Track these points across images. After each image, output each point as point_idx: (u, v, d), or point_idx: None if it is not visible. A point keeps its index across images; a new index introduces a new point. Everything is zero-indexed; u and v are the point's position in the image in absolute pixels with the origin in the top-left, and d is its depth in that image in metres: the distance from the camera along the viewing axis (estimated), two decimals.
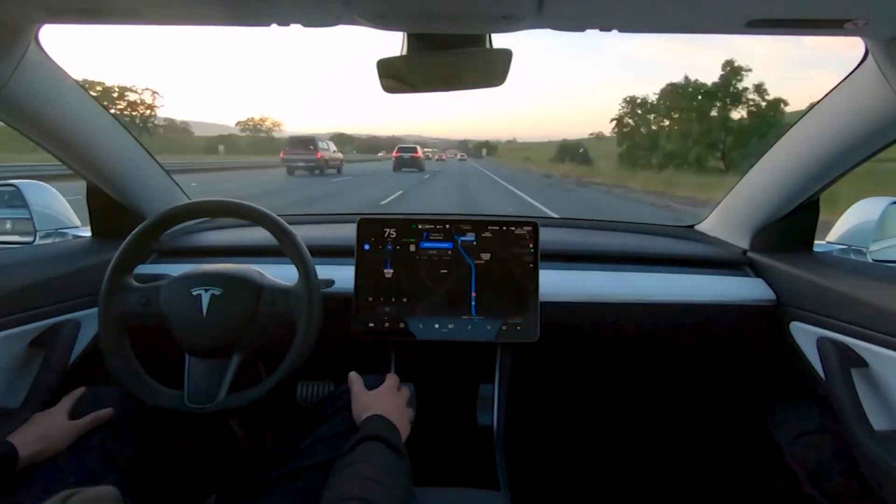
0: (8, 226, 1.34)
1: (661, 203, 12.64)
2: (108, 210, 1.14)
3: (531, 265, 1.02)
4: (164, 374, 0.87)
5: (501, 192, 14.66)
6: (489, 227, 1.02)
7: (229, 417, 1.16)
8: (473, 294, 1.01)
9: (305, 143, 19.42)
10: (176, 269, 0.94)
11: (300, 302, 0.86)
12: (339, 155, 22.32)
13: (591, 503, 1.35)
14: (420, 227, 1.03)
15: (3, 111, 0.85)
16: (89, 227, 1.20)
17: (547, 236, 1.06)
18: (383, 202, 10.50)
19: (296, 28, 0.70)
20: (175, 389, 0.84)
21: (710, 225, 1.35)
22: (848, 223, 1.26)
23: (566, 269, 1.14)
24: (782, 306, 1.07)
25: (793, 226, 1.13)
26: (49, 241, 1.24)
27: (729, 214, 1.28)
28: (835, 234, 1.27)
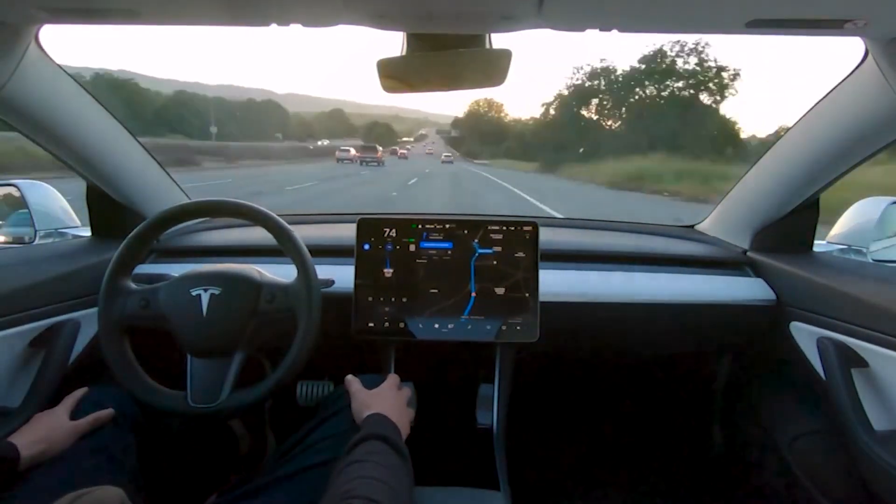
0: (8, 225, 1.33)
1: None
2: (108, 210, 1.14)
3: (531, 265, 1.02)
4: (165, 374, 0.87)
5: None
6: (489, 227, 1.02)
7: (232, 416, 1.16)
8: (473, 294, 1.01)
9: (371, 149, 33.00)
10: (176, 269, 0.94)
11: (300, 298, 0.86)
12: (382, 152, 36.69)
13: (591, 503, 1.35)
14: (420, 226, 1.03)
15: (3, 111, 0.85)
16: (89, 227, 1.21)
17: (547, 236, 1.06)
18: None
19: (295, 27, 0.70)
20: (177, 390, 0.84)
21: (710, 225, 1.35)
22: (848, 223, 1.26)
23: (566, 269, 1.14)
24: (782, 306, 1.07)
25: (793, 226, 1.13)
26: (49, 241, 1.24)
27: (729, 214, 1.28)
28: (835, 234, 1.27)
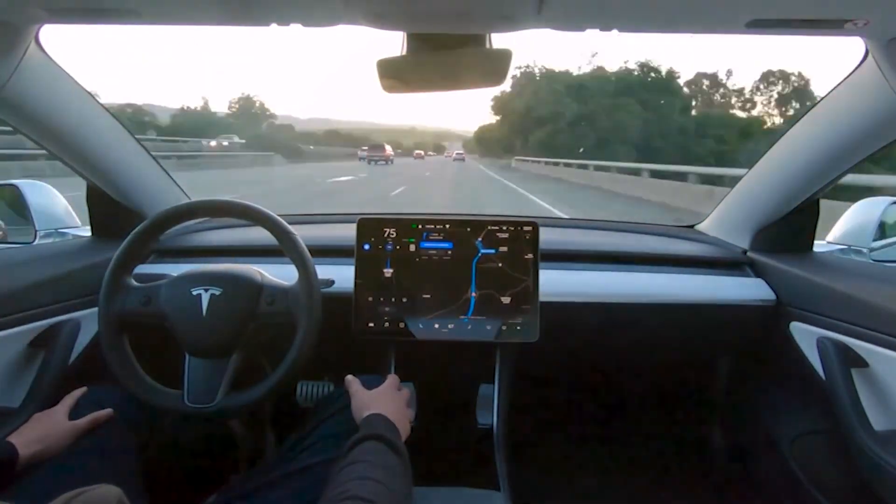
0: (8, 226, 1.33)
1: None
2: (108, 210, 1.14)
3: (531, 265, 1.02)
4: (164, 373, 0.87)
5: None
6: (489, 227, 1.02)
7: (229, 417, 1.16)
8: (473, 294, 1.01)
9: (380, 147, 34.73)
10: (176, 269, 0.94)
11: (300, 302, 0.86)
12: (392, 153, 39.21)
13: (591, 502, 1.35)
14: (420, 226, 1.03)
15: (3, 111, 0.86)
16: (89, 227, 1.21)
17: (547, 236, 1.06)
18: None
19: (295, 28, 0.71)
20: (175, 389, 0.84)
21: (710, 225, 1.35)
22: (848, 223, 1.26)
23: (566, 269, 1.14)
24: (782, 306, 1.07)
25: (793, 226, 1.13)
26: (49, 241, 1.24)
27: (729, 214, 1.28)
28: (835, 234, 1.27)
